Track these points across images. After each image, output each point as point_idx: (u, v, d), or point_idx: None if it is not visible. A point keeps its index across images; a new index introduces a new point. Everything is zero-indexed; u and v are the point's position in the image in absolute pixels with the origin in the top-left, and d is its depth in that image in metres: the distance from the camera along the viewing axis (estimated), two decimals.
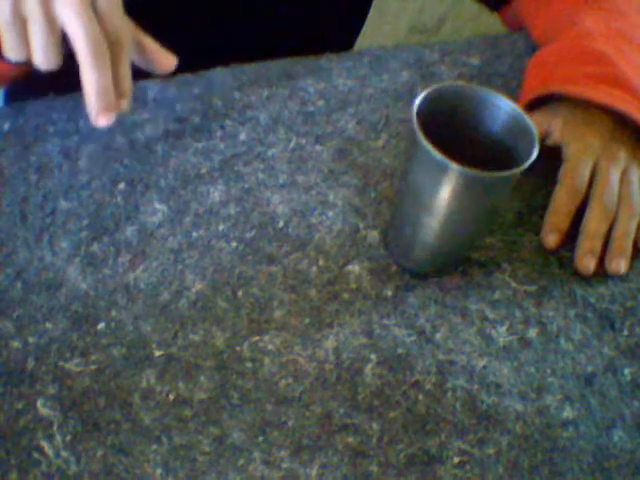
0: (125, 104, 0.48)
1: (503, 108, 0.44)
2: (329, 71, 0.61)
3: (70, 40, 0.44)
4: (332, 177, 0.53)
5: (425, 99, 0.42)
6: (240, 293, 0.46)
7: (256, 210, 0.50)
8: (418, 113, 0.41)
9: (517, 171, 0.40)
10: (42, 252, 0.46)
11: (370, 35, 0.87)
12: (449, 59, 0.63)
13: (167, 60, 0.49)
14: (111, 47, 0.45)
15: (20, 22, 0.44)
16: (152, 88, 0.56)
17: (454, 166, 0.40)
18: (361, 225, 0.51)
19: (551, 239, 0.50)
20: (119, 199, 0.49)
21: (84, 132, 0.48)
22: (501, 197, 0.45)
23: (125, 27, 0.47)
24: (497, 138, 0.45)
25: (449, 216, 0.43)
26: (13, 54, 0.45)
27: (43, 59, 0.45)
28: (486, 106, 0.45)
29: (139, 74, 0.51)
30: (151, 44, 0.49)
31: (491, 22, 0.81)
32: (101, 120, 0.46)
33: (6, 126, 0.52)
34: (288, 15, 0.69)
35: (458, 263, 0.49)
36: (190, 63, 0.58)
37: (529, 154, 0.41)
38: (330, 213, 0.51)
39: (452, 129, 0.44)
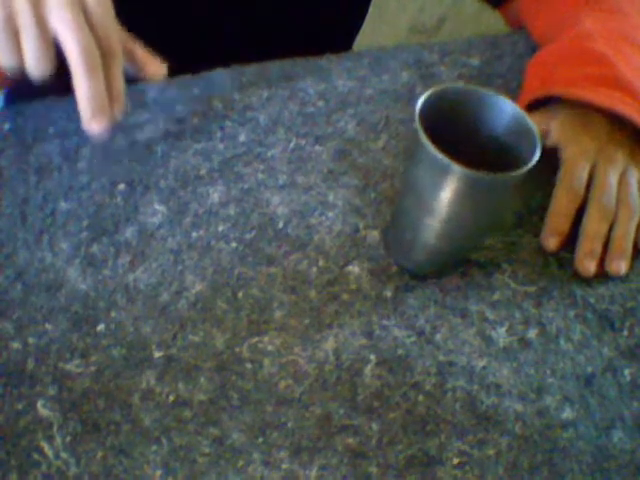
0: (119, 108, 0.49)
1: (505, 110, 0.44)
2: (329, 72, 0.61)
3: (62, 47, 0.45)
4: (332, 177, 0.53)
5: (427, 100, 0.42)
6: (240, 294, 0.46)
7: (256, 211, 0.50)
8: (420, 114, 0.41)
9: (519, 173, 0.40)
10: (42, 253, 0.46)
11: (370, 35, 0.87)
12: (449, 60, 0.63)
13: (157, 67, 0.50)
14: (103, 54, 0.46)
15: (12, 30, 0.44)
16: (152, 89, 0.56)
17: (456, 167, 0.40)
18: (361, 225, 0.51)
19: (552, 242, 0.50)
20: (119, 200, 0.49)
21: (84, 133, 0.48)
22: (503, 199, 0.45)
23: (116, 34, 0.47)
24: (499, 140, 0.45)
25: (450, 217, 0.43)
26: (5, 60, 0.45)
27: (35, 66, 0.45)
28: (488, 107, 0.45)
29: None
30: (141, 51, 0.50)
31: (492, 22, 0.81)
32: (94, 125, 0.47)
33: (6, 127, 0.52)
34: (287, 15, 0.69)
35: (458, 264, 0.49)
36: (190, 64, 0.58)
37: (531, 156, 0.41)
38: (330, 213, 0.51)
39: (453, 130, 0.44)
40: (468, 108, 0.45)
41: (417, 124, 0.41)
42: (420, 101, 0.42)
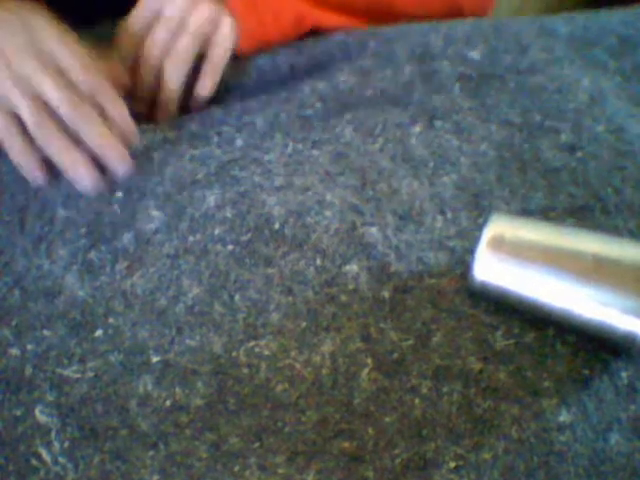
0: (134, 139, 0.50)
1: None
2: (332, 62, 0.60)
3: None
4: (329, 178, 0.53)
5: None
6: (237, 297, 0.46)
7: (252, 212, 0.50)
8: None
9: None
10: (40, 260, 0.46)
11: None
12: (451, 50, 0.62)
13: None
14: (93, 100, 0.47)
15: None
16: None
17: None
18: (359, 222, 0.50)
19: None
20: (116, 207, 0.49)
21: None
22: None
23: (99, 78, 0.48)
24: None
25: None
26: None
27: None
28: None
29: None
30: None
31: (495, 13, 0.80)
32: (121, 168, 0.48)
33: None
34: None
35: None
36: None
37: None
38: (327, 212, 0.51)
39: None
40: None
41: None
42: None
